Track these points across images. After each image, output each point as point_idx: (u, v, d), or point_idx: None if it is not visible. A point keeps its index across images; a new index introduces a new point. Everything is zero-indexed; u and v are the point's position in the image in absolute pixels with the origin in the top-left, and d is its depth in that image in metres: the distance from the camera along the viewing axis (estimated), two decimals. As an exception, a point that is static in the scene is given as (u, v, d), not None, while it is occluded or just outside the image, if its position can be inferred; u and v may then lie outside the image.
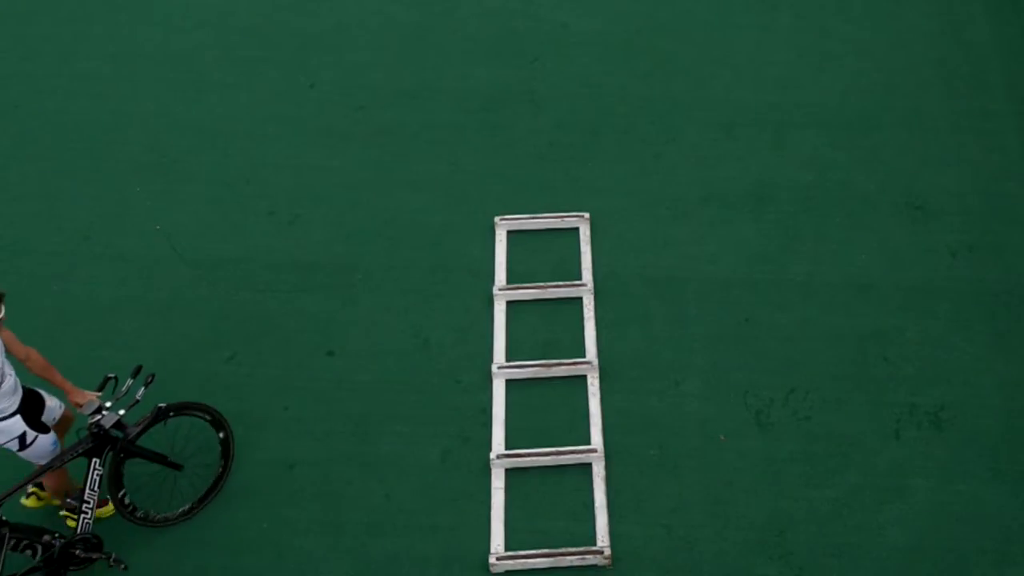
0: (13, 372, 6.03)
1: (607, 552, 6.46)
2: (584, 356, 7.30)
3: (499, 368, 7.23)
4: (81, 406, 6.14)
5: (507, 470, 6.85)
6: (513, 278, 7.71)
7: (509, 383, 7.23)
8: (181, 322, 7.56)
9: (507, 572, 6.49)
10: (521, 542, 6.57)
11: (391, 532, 6.62)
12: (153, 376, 6.32)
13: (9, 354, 6.02)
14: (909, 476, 6.76)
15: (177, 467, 6.58)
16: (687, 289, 7.64)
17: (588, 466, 6.85)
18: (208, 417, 6.58)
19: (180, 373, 7.31)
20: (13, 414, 6.02)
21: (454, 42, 9.25)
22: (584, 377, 7.22)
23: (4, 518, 5.92)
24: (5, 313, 5.83)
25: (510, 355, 7.34)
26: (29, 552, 6.02)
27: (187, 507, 6.62)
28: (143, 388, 6.25)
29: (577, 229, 7.94)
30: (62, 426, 6.45)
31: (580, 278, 7.68)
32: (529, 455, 6.86)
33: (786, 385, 7.18)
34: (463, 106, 8.77)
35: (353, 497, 6.75)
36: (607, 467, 6.83)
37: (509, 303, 7.57)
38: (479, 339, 7.42)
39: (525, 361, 7.29)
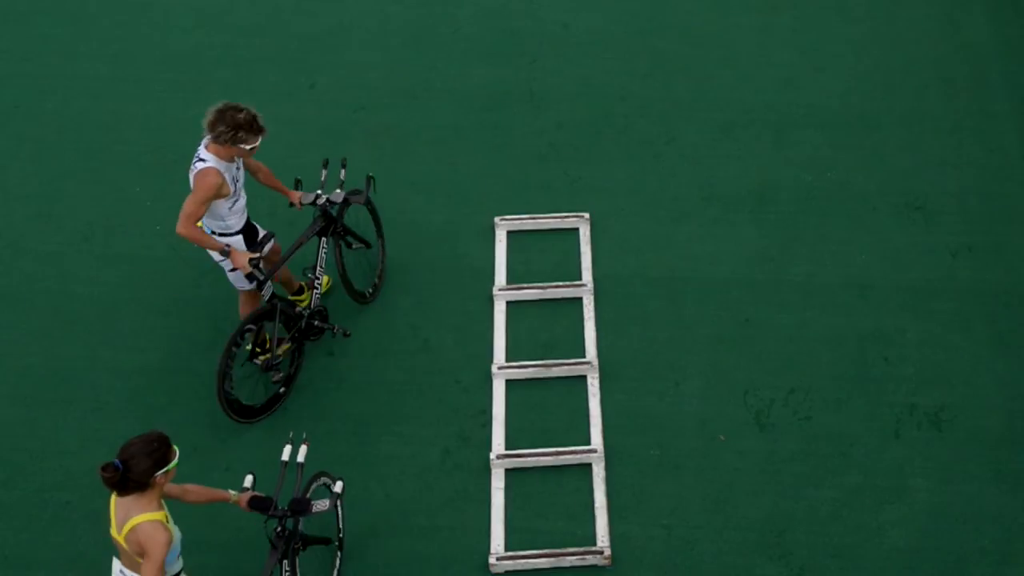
0: (244, 196, 6.79)
1: (607, 552, 6.46)
2: (584, 356, 7.30)
3: (499, 368, 7.23)
4: (297, 202, 7.06)
5: (507, 470, 6.85)
6: (513, 278, 7.71)
7: (509, 383, 7.23)
8: (181, 322, 7.56)
9: (507, 572, 6.49)
10: (521, 542, 6.57)
11: (391, 532, 6.62)
12: (345, 158, 7.38)
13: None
14: (909, 476, 6.77)
15: (369, 245, 7.64)
16: (687, 289, 7.65)
17: (588, 466, 6.85)
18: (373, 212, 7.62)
19: (180, 373, 7.31)
20: (238, 232, 6.80)
21: (454, 42, 9.25)
22: (584, 377, 7.22)
23: (274, 292, 6.90)
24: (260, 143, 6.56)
25: (510, 355, 7.33)
26: (285, 323, 6.96)
27: (370, 289, 7.65)
28: (342, 169, 7.24)
29: (577, 229, 7.95)
30: (269, 260, 7.12)
31: (580, 278, 7.68)
32: (529, 455, 6.86)
33: (786, 385, 7.18)
34: (463, 106, 8.78)
35: (353, 497, 6.75)
36: (607, 467, 6.83)
37: (509, 303, 7.57)
38: (479, 339, 7.42)
39: (525, 361, 7.28)
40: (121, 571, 5.51)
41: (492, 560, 6.46)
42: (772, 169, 8.28)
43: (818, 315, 7.49)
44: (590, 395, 7.13)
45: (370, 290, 7.62)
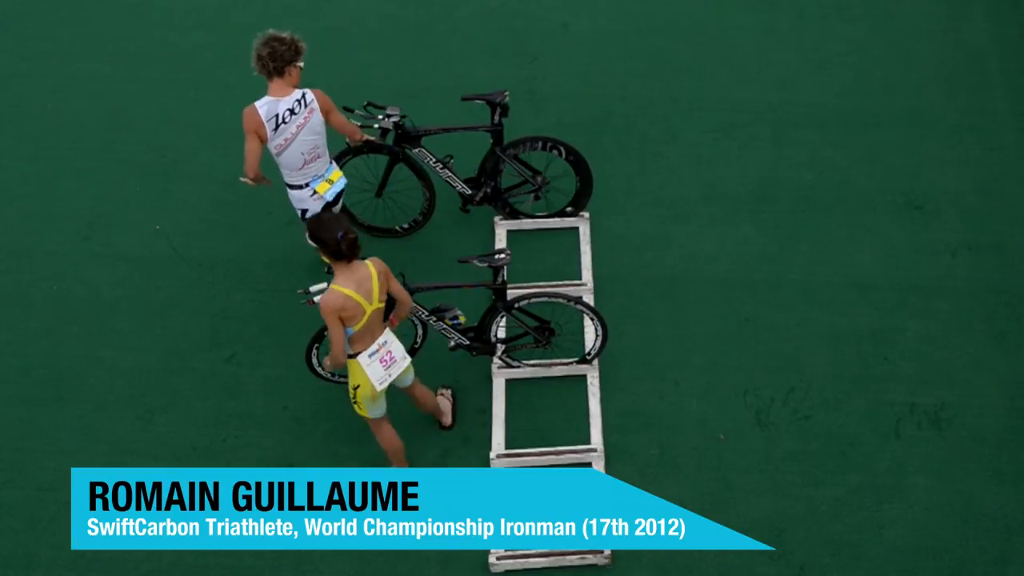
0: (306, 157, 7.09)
1: (607, 552, 6.46)
2: (584, 356, 7.31)
3: (499, 368, 7.23)
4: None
5: (507, 470, 6.86)
6: (513, 278, 7.70)
7: (509, 383, 7.23)
8: (181, 322, 7.56)
9: (507, 572, 6.49)
10: (521, 542, 6.57)
11: (391, 532, 6.62)
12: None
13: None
14: (909, 476, 6.77)
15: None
16: (687, 289, 7.65)
17: (588, 466, 6.84)
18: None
19: (180, 373, 7.32)
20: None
21: (454, 42, 9.25)
22: (584, 377, 7.22)
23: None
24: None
25: (510, 355, 7.34)
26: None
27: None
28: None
29: (577, 229, 7.95)
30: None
31: (580, 278, 7.68)
32: (529, 455, 6.86)
33: (786, 385, 7.18)
34: (463, 106, 8.75)
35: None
36: (607, 466, 6.83)
37: (509, 303, 7.57)
38: (479, 339, 7.41)
39: (525, 361, 7.28)
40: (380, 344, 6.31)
41: (492, 560, 6.47)
42: (772, 169, 8.29)
43: (818, 314, 7.49)
44: (590, 395, 7.13)
45: (405, 226, 7.93)
